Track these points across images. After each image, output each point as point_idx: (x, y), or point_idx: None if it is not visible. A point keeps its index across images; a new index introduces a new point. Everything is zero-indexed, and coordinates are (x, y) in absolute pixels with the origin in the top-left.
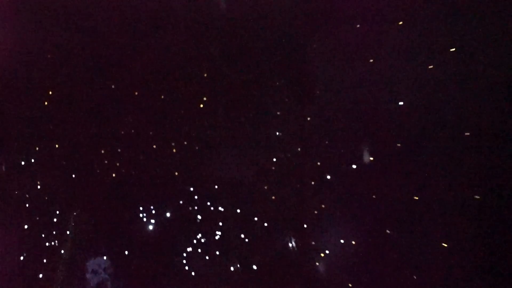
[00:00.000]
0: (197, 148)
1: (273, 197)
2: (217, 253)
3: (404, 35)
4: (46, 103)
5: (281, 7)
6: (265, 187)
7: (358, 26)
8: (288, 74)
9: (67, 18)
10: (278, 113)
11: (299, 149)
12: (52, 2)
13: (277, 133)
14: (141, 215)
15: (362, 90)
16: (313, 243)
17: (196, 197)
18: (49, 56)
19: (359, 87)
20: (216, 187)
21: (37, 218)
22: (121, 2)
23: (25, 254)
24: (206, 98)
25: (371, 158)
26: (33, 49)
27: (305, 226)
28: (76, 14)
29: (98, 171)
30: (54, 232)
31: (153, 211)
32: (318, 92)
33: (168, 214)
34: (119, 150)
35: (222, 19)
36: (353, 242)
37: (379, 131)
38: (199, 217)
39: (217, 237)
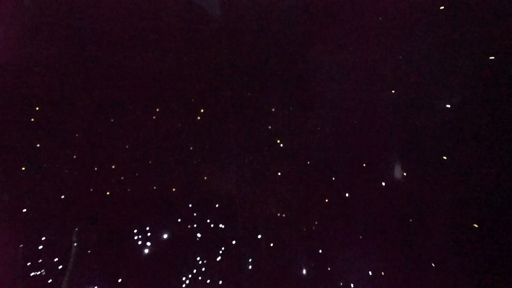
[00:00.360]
0: (195, 162)
1: (279, 214)
2: (220, 282)
3: (437, 28)
4: (32, 119)
5: (284, 8)
6: (269, 203)
7: (377, 21)
8: (292, 78)
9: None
10: (282, 122)
11: (308, 162)
12: (51, 4)
13: (282, 145)
14: (136, 237)
15: (390, 91)
16: (329, 268)
17: (195, 214)
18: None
19: (386, 87)
20: (216, 204)
21: (21, 246)
22: (117, 12)
23: (8, 284)
24: (204, 109)
25: (405, 174)
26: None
27: (320, 251)
28: (74, 21)
29: (90, 189)
30: (40, 260)
31: (149, 233)
32: (329, 96)
33: (165, 235)
34: (113, 167)
35: (221, 27)
36: (382, 273)
37: (416, 140)
38: (198, 235)
39: (218, 258)
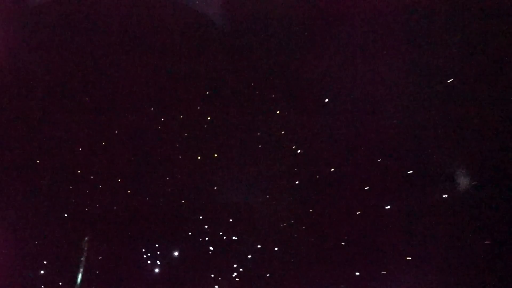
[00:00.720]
0: (204, 172)
1: (298, 227)
2: None
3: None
4: (35, 127)
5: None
6: (287, 214)
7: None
8: (302, 84)
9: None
10: (297, 126)
11: (332, 169)
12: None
13: (298, 151)
14: (145, 252)
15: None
16: None
17: (206, 226)
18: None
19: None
20: (229, 215)
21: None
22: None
23: None
24: (210, 117)
25: (472, 183)
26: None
27: (357, 273)
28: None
29: (97, 205)
30: (42, 287)
31: (159, 247)
32: (349, 97)
33: (176, 251)
34: (119, 180)
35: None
36: None
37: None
38: (211, 248)
39: (234, 275)
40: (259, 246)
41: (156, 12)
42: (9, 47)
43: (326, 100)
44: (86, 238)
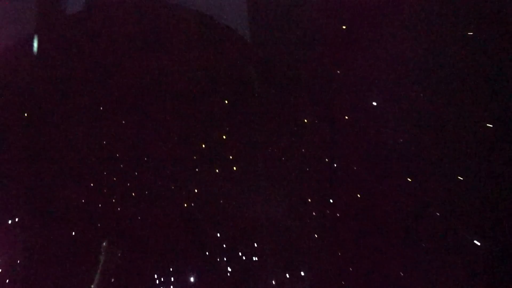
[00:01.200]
0: (221, 185)
1: (338, 252)
2: None
3: None
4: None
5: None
6: (315, 237)
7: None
8: (334, 88)
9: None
10: (331, 140)
11: (376, 186)
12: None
13: (335, 165)
14: (160, 273)
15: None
16: None
17: (224, 245)
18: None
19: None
20: (247, 233)
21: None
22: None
23: None
24: (229, 128)
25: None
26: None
27: None
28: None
29: (108, 221)
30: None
31: (173, 272)
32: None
33: (191, 271)
34: (132, 194)
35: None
36: None
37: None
38: (229, 269)
39: None
40: (286, 273)
41: (173, 18)
42: (9, 47)
43: (375, 103)
44: (100, 258)
